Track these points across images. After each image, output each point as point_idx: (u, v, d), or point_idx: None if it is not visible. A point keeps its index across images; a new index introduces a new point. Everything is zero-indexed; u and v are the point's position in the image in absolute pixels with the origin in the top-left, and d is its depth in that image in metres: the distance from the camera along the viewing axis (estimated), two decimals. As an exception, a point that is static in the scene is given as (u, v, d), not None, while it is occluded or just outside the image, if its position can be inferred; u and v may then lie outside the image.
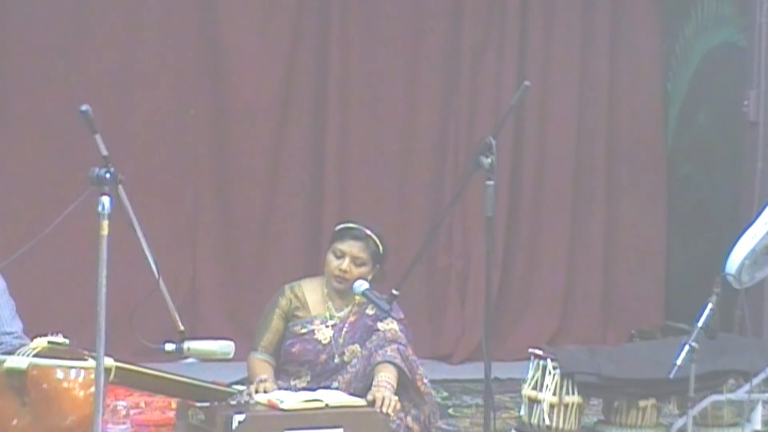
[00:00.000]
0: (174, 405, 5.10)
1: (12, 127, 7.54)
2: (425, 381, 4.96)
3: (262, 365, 5.05)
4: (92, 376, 4.03)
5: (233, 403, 4.62)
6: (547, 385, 5.35)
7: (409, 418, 4.87)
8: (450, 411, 6.48)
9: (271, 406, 4.60)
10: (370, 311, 5.08)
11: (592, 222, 8.64)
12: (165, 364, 4.91)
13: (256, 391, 4.82)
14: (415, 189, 8.33)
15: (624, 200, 8.69)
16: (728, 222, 7.82)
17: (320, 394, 4.71)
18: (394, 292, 5.00)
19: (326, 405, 4.60)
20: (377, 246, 5.12)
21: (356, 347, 5.04)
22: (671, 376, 4.99)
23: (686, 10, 8.49)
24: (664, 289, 8.65)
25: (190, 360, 4.91)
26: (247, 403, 4.65)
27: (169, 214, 7.80)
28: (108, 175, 3.89)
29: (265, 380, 4.93)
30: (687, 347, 4.96)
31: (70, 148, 7.18)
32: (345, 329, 5.09)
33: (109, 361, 4.10)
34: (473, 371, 7.37)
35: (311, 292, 5.16)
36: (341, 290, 5.11)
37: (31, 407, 4.18)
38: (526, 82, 4.80)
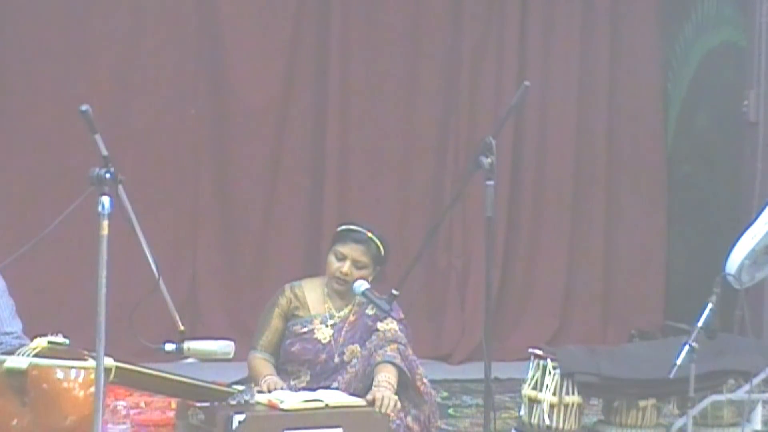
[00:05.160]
0: (174, 405, 5.10)
1: (12, 127, 7.55)
2: (425, 381, 4.96)
3: (265, 364, 5.06)
4: (92, 376, 4.02)
5: (233, 403, 4.61)
6: (547, 385, 5.35)
7: (409, 418, 4.87)
8: (450, 411, 6.49)
9: (271, 406, 4.60)
10: (370, 311, 5.08)
11: (592, 222, 8.64)
12: (165, 364, 4.90)
13: (269, 390, 4.82)
14: (415, 189, 8.33)
15: (624, 200, 8.69)
16: (728, 222, 7.82)
17: (320, 394, 4.71)
18: (394, 292, 5.00)
19: (326, 405, 4.59)
20: (378, 248, 5.11)
21: (356, 347, 5.04)
22: (671, 376, 4.99)
23: (686, 10, 8.50)
24: (664, 289, 8.66)
25: (190, 360, 4.90)
26: (247, 403, 4.64)
27: (169, 214, 7.81)
28: (108, 175, 3.89)
29: (274, 378, 4.93)
30: (687, 347, 4.96)
31: (70, 148, 7.18)
32: (345, 329, 5.09)
33: (109, 361, 4.10)
34: (473, 371, 7.38)
35: (311, 291, 5.17)
36: (342, 292, 5.11)
37: (31, 407, 4.18)
38: (526, 82, 4.80)
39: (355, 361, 4.99)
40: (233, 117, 7.96)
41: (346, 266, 5.07)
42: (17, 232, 6.87)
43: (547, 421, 5.33)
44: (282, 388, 4.86)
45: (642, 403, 5.47)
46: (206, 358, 4.50)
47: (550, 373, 5.36)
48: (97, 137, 3.93)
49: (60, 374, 4.19)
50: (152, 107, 7.82)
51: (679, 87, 8.61)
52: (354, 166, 8.19)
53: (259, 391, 4.76)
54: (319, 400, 4.61)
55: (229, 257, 8.01)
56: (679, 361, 4.95)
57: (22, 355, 4.21)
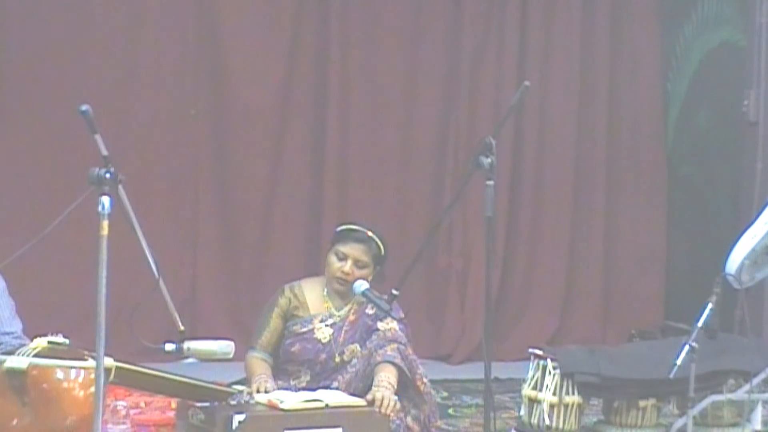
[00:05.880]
0: (174, 405, 5.10)
1: (12, 127, 7.55)
2: (425, 381, 4.96)
3: (260, 364, 5.06)
4: (92, 376, 4.02)
5: (233, 403, 4.61)
6: (547, 385, 5.35)
7: (409, 418, 4.87)
8: (450, 411, 6.48)
9: (271, 406, 4.60)
10: (370, 311, 5.08)
11: (592, 222, 8.64)
12: (165, 364, 4.91)
13: (257, 391, 4.82)
14: (415, 189, 8.33)
15: (624, 200, 8.69)
16: (728, 222, 7.82)
17: (320, 394, 4.71)
18: (394, 292, 5.00)
19: (326, 405, 4.60)
20: (379, 248, 5.12)
21: (356, 347, 5.04)
22: (671, 376, 4.99)
23: (686, 10, 8.50)
24: (664, 289, 8.66)
25: (190, 360, 4.91)
26: (247, 403, 4.64)
27: (169, 214, 7.81)
28: (108, 175, 3.89)
29: (265, 379, 4.94)
30: (687, 347, 4.96)
31: (70, 148, 7.18)
32: (345, 328, 5.09)
33: (109, 361, 4.10)
34: (473, 371, 7.38)
35: (311, 291, 5.17)
36: (342, 291, 5.11)
37: (31, 407, 4.18)
38: (526, 82, 4.79)
39: (355, 360, 4.99)
40: (233, 117, 7.96)
41: (347, 266, 5.07)
42: (17, 232, 6.86)
43: (547, 421, 5.33)
44: (270, 390, 4.85)
45: (642, 403, 5.47)
46: (206, 358, 4.50)
47: (550, 373, 5.36)
48: (97, 137, 3.94)
49: (60, 374, 4.19)
50: (152, 107, 7.82)
51: (679, 87, 8.61)
52: (354, 166, 8.19)
53: (248, 392, 4.77)
54: (319, 400, 4.61)
55: (229, 257, 8.01)
56: (679, 361, 4.95)
57: (22, 355, 4.22)
